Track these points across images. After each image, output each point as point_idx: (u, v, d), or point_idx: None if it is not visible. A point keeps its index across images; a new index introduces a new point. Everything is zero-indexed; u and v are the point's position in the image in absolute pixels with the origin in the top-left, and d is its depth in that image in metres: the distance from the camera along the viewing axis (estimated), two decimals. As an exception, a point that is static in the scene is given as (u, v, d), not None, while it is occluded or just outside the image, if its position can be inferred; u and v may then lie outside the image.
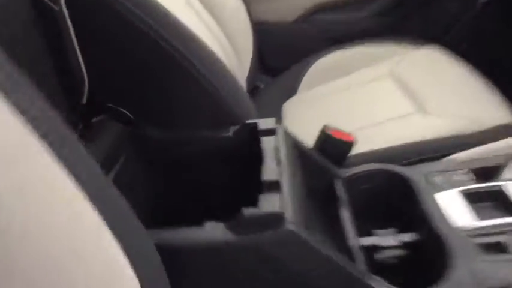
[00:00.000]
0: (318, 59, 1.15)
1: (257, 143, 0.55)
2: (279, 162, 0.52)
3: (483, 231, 0.55)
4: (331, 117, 0.92)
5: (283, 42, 1.26)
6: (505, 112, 0.83)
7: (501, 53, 1.10)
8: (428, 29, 1.26)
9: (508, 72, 1.00)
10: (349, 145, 0.66)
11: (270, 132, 0.56)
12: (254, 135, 0.57)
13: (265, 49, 1.21)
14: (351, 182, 0.65)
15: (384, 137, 0.82)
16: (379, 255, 0.58)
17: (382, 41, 1.17)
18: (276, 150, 0.53)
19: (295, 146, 0.60)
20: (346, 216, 0.59)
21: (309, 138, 0.72)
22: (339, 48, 1.18)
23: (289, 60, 1.19)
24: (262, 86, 1.17)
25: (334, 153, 0.66)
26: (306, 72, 1.12)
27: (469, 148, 0.74)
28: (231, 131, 0.60)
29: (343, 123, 0.87)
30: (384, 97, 0.96)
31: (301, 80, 1.11)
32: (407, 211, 0.61)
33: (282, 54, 1.25)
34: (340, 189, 0.62)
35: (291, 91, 1.09)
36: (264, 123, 0.58)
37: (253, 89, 1.13)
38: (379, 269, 0.56)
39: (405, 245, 0.58)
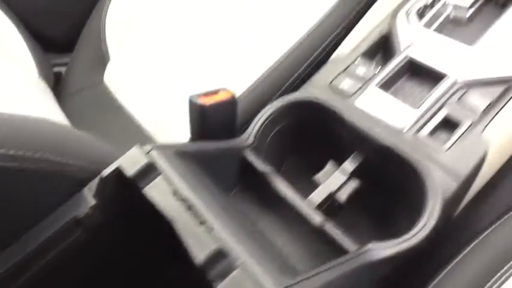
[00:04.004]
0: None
1: (134, 199, 0.36)
2: (187, 202, 0.35)
3: (425, 116, 0.47)
4: (169, 70, 0.74)
5: (51, 2, 0.95)
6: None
7: None
8: None
9: None
10: (232, 104, 0.50)
11: (146, 172, 0.37)
12: (120, 191, 0.38)
13: (35, 23, 0.90)
14: (260, 140, 0.51)
15: (255, 54, 0.66)
16: (340, 198, 0.48)
17: None
18: (173, 193, 0.35)
19: (183, 157, 0.42)
20: (283, 188, 0.46)
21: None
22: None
23: (73, 21, 0.91)
24: (63, 70, 0.89)
25: (221, 124, 0.50)
26: (104, 23, 0.87)
27: (348, 19, 0.64)
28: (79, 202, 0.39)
29: (191, 70, 0.70)
30: (223, 7, 0.78)
31: (104, 36, 0.85)
32: (334, 135, 0.51)
33: (60, 18, 0.95)
34: (256, 161, 0.48)
35: (103, 57, 0.85)
36: (129, 163, 0.38)
37: (56, 80, 0.86)
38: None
39: (357, 173, 0.49)
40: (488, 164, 0.45)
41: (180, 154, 0.42)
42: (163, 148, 0.40)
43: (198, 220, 0.33)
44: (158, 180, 0.36)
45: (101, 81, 0.83)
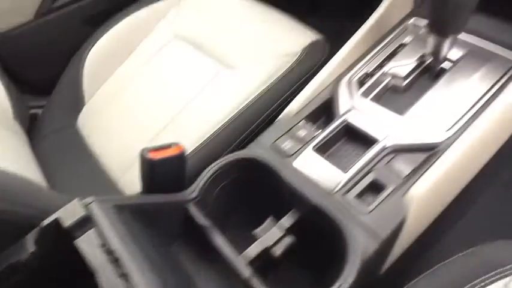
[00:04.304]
0: (90, 49, 0.95)
1: (67, 250, 0.39)
2: (113, 255, 0.38)
3: (354, 180, 0.51)
4: (135, 121, 0.79)
5: (33, 48, 1.00)
6: (304, 32, 0.80)
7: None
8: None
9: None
10: (181, 159, 0.54)
11: (82, 224, 0.40)
12: (58, 240, 0.41)
13: (15, 67, 0.95)
14: (205, 195, 0.55)
15: (209, 112, 0.71)
16: (275, 253, 0.51)
17: (149, 0, 1.02)
18: (102, 245, 0.39)
19: (122, 210, 0.45)
20: (219, 242, 0.49)
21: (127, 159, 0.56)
22: (108, 28, 0.99)
23: (52, 66, 0.96)
24: (40, 112, 0.93)
25: (170, 177, 0.54)
26: (82, 72, 0.92)
27: (296, 84, 0.69)
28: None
29: (152, 123, 0.75)
30: (181, 65, 0.84)
31: (81, 84, 0.90)
32: (275, 193, 0.54)
33: (40, 63, 1.00)
34: (197, 214, 0.51)
35: (78, 103, 0.89)
36: (67, 215, 0.41)
37: (31, 122, 0.90)
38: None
39: (292, 230, 0.52)
40: (410, 225, 0.49)
41: (120, 207, 0.45)
42: (104, 201, 0.44)
43: (120, 272, 0.36)
44: (91, 232, 0.39)
45: (74, 125, 0.87)
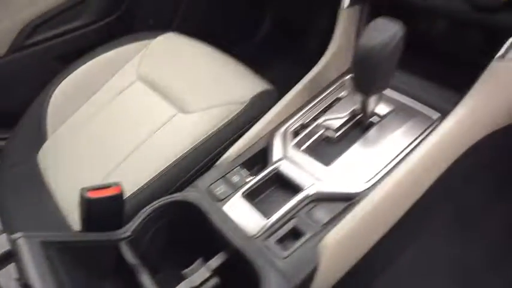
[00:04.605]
0: (57, 86, 0.99)
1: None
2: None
3: (275, 226, 0.54)
4: (90, 159, 0.82)
5: (2, 81, 1.04)
6: (255, 82, 0.85)
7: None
8: (160, 17, 1.22)
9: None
10: (118, 199, 0.57)
11: (4, 259, 0.43)
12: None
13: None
14: (139, 235, 0.57)
15: (156, 155, 0.75)
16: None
17: (119, 43, 1.07)
18: (19, 279, 0.41)
19: (50, 246, 0.48)
20: (146, 282, 0.52)
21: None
22: (76, 67, 1.03)
23: (20, 101, 1.00)
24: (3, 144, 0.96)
25: (107, 216, 0.57)
26: (47, 108, 0.96)
27: (239, 131, 0.74)
28: None
29: (104, 162, 0.79)
30: (140, 107, 0.88)
31: (45, 119, 0.94)
32: (203, 236, 0.58)
33: (8, 96, 1.04)
34: (127, 253, 0.54)
35: (40, 138, 0.92)
36: None
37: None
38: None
39: (219, 271, 0.55)
40: (324, 271, 0.52)
41: (47, 244, 0.48)
42: (31, 237, 0.46)
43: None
44: (10, 267, 0.42)
45: (34, 160, 0.90)
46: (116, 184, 0.59)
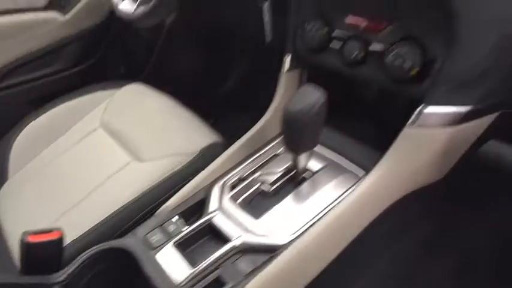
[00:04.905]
0: (22, 129, 1.04)
1: None
2: None
3: (200, 275, 0.58)
4: (45, 202, 0.85)
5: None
6: (206, 134, 0.90)
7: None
8: (131, 66, 1.29)
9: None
10: (57, 244, 0.60)
11: None
12: None
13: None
14: (74, 279, 0.60)
15: (105, 201, 0.79)
16: None
17: (87, 90, 1.13)
18: None
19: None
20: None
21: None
22: (44, 111, 1.08)
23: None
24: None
25: (45, 260, 0.59)
26: (10, 150, 1.00)
27: (184, 182, 0.78)
28: None
29: (58, 205, 0.82)
30: (98, 153, 0.93)
31: (7, 161, 0.98)
32: (138, 283, 0.61)
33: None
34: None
35: (1, 180, 0.96)
36: None
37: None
38: None
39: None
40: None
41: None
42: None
43: None
44: None
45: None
46: (57, 229, 0.62)
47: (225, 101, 1.38)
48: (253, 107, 1.18)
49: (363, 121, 0.73)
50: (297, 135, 0.62)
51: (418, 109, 0.60)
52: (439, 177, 0.68)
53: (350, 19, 0.67)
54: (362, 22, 0.66)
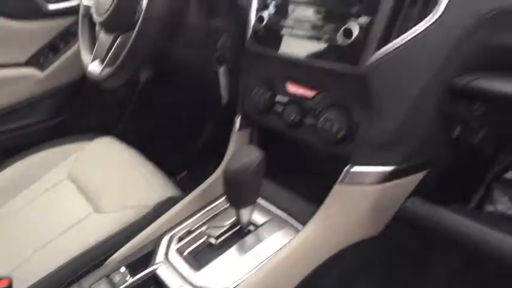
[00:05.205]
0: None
1: None
2: None
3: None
4: (5, 249, 0.88)
5: None
6: (165, 188, 0.95)
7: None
8: (104, 122, 1.36)
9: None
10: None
11: None
12: None
13: None
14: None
15: (59, 252, 0.82)
16: None
17: (59, 142, 1.18)
18: None
19: None
20: None
21: None
22: (13, 162, 1.13)
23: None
24: None
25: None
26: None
27: (139, 233, 0.82)
28: None
29: (15, 254, 0.85)
30: (62, 204, 0.96)
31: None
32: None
33: None
34: None
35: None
36: None
37: None
38: None
39: None
40: None
41: None
42: None
43: None
44: None
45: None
46: (7, 277, 0.65)
47: (198, 154, 1.44)
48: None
49: (305, 177, 0.79)
50: (236, 192, 0.67)
51: (346, 168, 0.66)
52: (375, 232, 0.72)
53: (289, 86, 0.75)
54: (298, 89, 0.73)
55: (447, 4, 0.57)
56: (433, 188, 0.71)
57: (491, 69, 0.61)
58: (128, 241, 0.76)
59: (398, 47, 0.59)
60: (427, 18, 0.58)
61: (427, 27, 0.58)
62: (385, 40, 0.60)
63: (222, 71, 0.90)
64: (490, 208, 0.69)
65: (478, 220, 0.61)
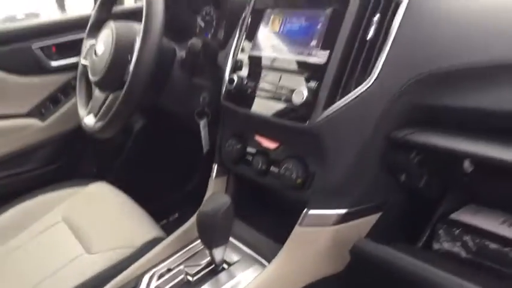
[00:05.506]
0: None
1: None
2: None
3: None
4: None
5: None
6: (151, 230, 1.03)
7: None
8: (96, 168, 1.46)
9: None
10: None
11: None
12: None
13: None
14: None
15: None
16: None
17: (55, 188, 1.27)
18: None
19: None
20: None
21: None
22: (12, 206, 1.21)
23: None
24: None
25: None
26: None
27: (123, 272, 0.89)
28: None
29: None
30: (56, 246, 1.04)
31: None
32: None
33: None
34: None
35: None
36: None
37: None
38: None
39: None
40: None
41: None
42: None
43: None
44: None
45: None
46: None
47: (188, 197, 1.53)
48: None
49: (273, 219, 0.88)
50: (207, 234, 0.76)
51: (304, 212, 0.75)
52: (336, 270, 0.80)
53: (257, 139, 0.85)
54: (264, 142, 0.83)
55: (381, 70, 0.68)
56: (387, 229, 0.80)
57: (428, 124, 0.71)
58: (112, 279, 0.84)
59: (342, 107, 0.69)
60: (365, 83, 0.69)
61: (365, 89, 0.69)
62: (331, 101, 0.70)
63: (202, 123, 1.01)
64: (436, 246, 0.77)
65: (423, 259, 0.69)
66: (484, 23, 0.67)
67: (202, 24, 1.17)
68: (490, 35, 0.64)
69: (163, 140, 1.51)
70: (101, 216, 1.11)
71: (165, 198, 1.48)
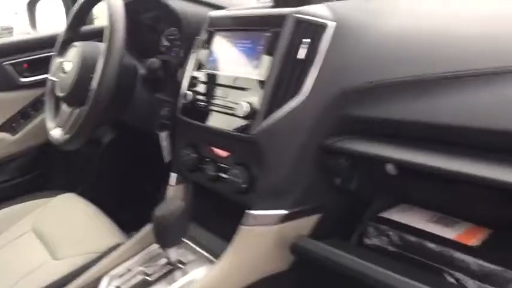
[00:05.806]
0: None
1: None
2: None
3: None
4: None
5: None
6: (115, 235, 1.10)
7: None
8: (70, 179, 1.52)
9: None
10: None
11: None
12: None
13: None
14: None
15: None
16: None
17: (25, 199, 1.32)
18: None
19: None
20: None
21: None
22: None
23: None
24: None
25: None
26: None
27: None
28: None
29: None
30: (23, 254, 1.10)
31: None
32: None
33: None
34: None
35: None
36: None
37: None
38: None
39: None
40: None
41: None
42: None
43: None
44: None
45: None
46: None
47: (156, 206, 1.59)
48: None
49: (228, 222, 0.95)
50: (161, 234, 0.83)
51: (246, 212, 0.83)
52: (281, 267, 0.88)
53: (209, 149, 0.93)
54: (216, 151, 0.92)
55: (312, 86, 0.77)
56: (326, 228, 0.89)
57: (358, 132, 0.80)
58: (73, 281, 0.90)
59: (279, 118, 0.79)
60: (297, 97, 0.78)
61: (298, 103, 0.78)
62: (269, 112, 0.79)
63: (163, 135, 1.09)
64: (367, 241, 0.86)
65: (355, 254, 0.77)
66: (402, 43, 0.77)
67: (167, 44, 1.26)
68: (409, 54, 0.74)
69: (131, 153, 1.58)
70: (68, 225, 1.17)
71: (135, 209, 1.55)
